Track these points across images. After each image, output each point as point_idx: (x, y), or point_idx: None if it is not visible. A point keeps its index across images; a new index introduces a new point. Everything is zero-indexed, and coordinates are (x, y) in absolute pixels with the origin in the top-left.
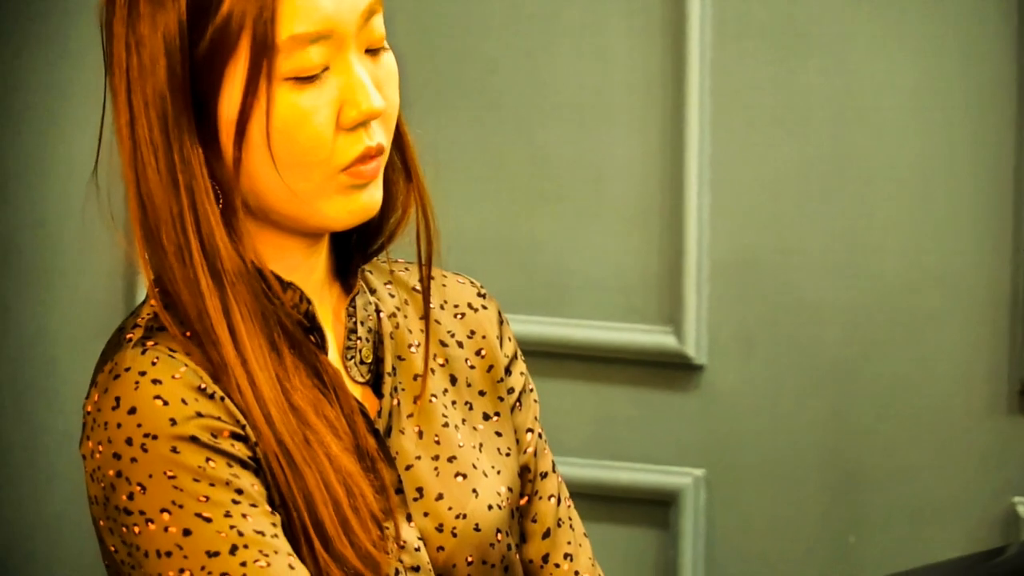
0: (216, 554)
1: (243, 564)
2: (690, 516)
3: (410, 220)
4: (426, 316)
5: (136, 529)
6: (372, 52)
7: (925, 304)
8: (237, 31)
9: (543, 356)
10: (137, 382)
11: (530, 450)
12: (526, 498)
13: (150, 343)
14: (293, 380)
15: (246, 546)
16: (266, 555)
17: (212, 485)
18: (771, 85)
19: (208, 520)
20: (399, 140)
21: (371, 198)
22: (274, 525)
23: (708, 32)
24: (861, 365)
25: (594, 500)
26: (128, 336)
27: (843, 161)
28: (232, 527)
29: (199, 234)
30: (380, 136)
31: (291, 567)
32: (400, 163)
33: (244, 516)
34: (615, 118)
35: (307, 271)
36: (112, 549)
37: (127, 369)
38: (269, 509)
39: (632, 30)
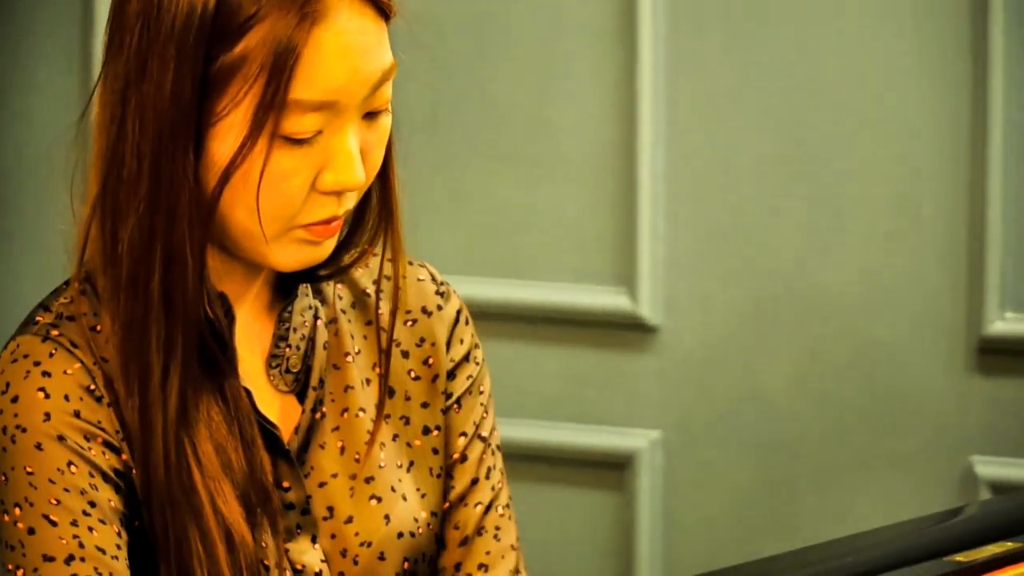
0: (52, 559)
1: None
2: (646, 478)
3: (368, 258)
4: (384, 374)
5: None
6: (371, 115)
7: (885, 262)
8: (252, 76)
9: (497, 318)
10: (28, 371)
11: (456, 455)
12: (448, 503)
13: (55, 332)
14: (199, 408)
15: (83, 559)
16: (100, 573)
17: (67, 490)
18: (727, 42)
19: (54, 524)
20: (384, 181)
21: (322, 251)
22: (119, 547)
23: None
24: (819, 324)
25: (550, 462)
26: (38, 318)
27: (801, 117)
28: (75, 536)
29: (166, 263)
30: (351, 203)
31: None
32: (378, 203)
33: (90, 529)
34: (568, 78)
35: (243, 282)
36: None
37: (25, 356)
38: (117, 529)
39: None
